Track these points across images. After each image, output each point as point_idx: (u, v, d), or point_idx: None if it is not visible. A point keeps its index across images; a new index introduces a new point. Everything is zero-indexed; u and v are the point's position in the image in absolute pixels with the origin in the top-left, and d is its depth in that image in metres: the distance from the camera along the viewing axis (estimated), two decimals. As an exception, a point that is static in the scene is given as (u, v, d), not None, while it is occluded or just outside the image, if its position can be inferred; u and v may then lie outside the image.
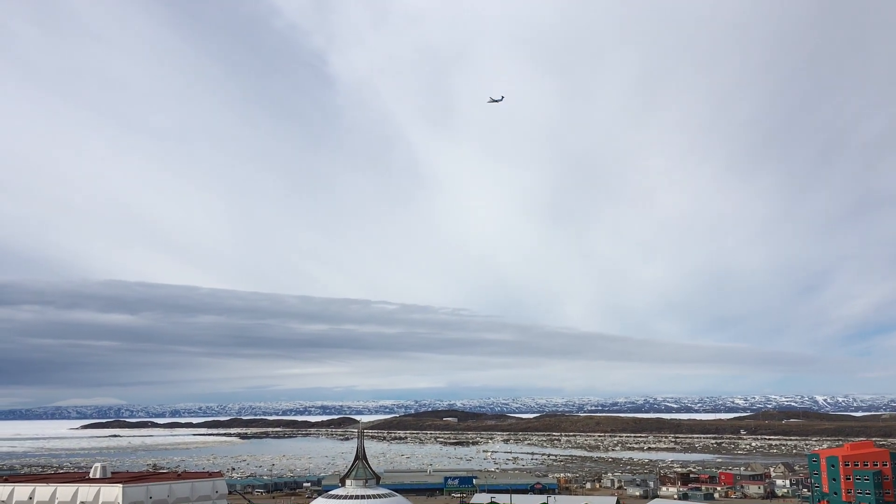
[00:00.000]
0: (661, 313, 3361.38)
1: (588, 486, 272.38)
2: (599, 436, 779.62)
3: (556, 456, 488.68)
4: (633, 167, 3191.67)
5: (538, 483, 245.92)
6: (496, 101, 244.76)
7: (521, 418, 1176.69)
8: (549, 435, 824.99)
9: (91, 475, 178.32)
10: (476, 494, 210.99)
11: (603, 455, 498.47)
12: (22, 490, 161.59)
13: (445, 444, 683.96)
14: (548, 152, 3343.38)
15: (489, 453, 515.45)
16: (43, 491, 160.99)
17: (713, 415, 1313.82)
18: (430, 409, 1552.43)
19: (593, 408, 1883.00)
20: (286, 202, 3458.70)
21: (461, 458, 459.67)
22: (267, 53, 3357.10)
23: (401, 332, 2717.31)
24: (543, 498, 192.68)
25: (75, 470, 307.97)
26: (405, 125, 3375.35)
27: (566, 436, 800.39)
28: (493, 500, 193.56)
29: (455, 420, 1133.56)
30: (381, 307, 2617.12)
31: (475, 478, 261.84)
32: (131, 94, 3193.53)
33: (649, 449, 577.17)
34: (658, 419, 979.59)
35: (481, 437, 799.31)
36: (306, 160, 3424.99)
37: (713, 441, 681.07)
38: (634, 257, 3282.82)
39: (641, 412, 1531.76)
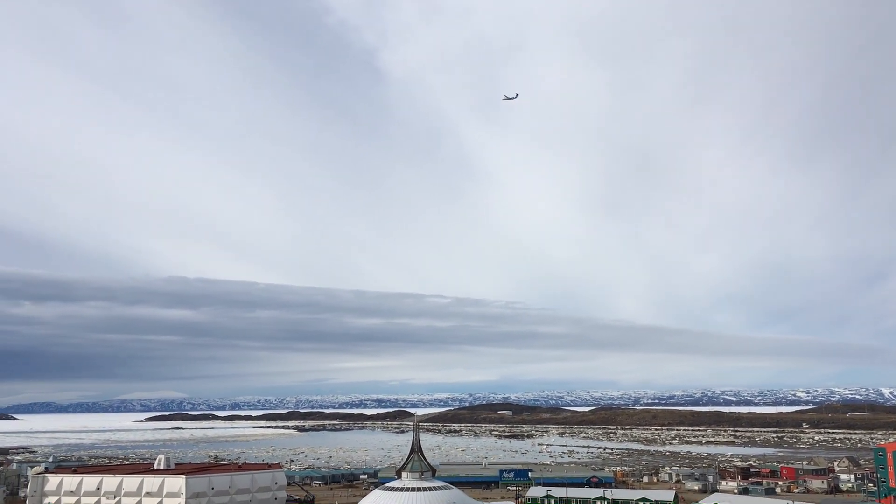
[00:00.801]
0: (719, 305, 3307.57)
1: (645, 479, 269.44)
2: (656, 429, 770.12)
3: (612, 449, 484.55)
4: (686, 157, 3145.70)
5: (594, 476, 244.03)
6: (510, 98, 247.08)
7: (577, 411, 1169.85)
8: (604, 428, 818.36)
9: (155, 466, 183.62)
10: (532, 487, 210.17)
11: (660, 449, 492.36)
12: (90, 481, 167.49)
13: (500, 437, 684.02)
14: (599, 143, 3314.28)
15: (544, 446, 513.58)
16: (110, 482, 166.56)
17: (774, 408, 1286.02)
18: (484, 402, 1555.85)
19: (650, 401, 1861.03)
20: (339, 197, 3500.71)
21: (516, 451, 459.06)
22: (319, 51, 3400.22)
23: (454, 325, 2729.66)
24: (600, 491, 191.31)
25: (140, 461, 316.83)
26: (456, 119, 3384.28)
27: (622, 429, 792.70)
28: (549, 493, 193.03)
29: (509, 413, 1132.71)
30: (435, 301, 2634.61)
31: (531, 471, 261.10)
32: (188, 93, 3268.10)
33: (708, 443, 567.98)
34: (717, 412, 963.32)
35: (536, 431, 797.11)
36: (358, 155, 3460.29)
37: (774, 435, 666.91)
38: (690, 248, 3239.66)
39: (699, 405, 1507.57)
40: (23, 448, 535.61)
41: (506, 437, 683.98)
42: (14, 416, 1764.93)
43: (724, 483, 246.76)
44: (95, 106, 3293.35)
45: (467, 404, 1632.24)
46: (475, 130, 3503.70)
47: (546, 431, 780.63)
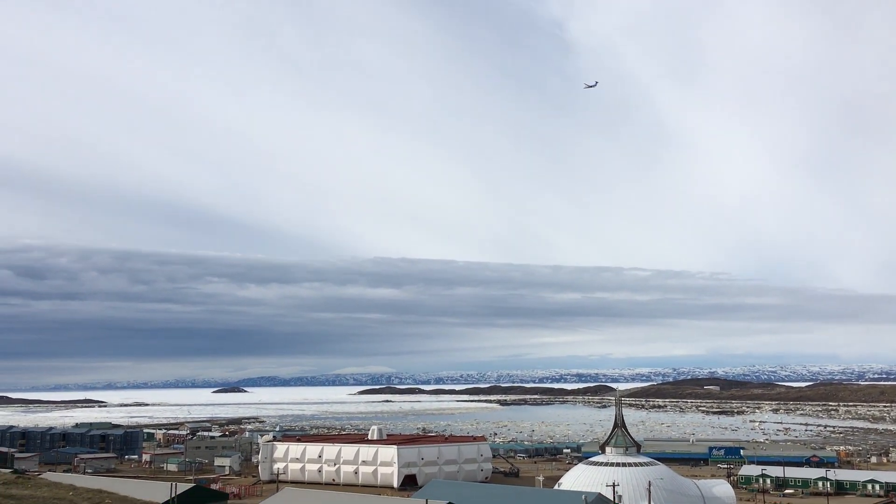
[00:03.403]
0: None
1: (874, 460, 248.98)
2: (885, 406, 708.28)
3: (833, 427, 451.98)
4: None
5: (815, 456, 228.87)
6: (591, 86, 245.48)
7: (792, 387, 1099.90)
8: (824, 405, 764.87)
9: (369, 437, 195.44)
10: (744, 466, 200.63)
11: (890, 427, 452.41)
12: (312, 449, 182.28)
13: (707, 413, 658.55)
14: (807, 99, 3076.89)
15: (757, 423, 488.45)
16: (330, 450, 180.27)
17: None
18: (689, 377, 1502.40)
19: (876, 375, 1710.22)
20: (534, 173, 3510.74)
21: (726, 428, 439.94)
22: (506, 26, 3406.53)
23: (655, 298, 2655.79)
24: (822, 472, 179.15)
25: (355, 431, 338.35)
26: (649, 85, 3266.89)
27: (844, 406, 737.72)
28: (763, 472, 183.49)
29: (717, 388, 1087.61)
30: (634, 274, 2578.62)
31: (742, 448, 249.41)
32: (382, 78, 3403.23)
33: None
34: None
35: (747, 407, 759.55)
36: (550, 129, 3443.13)
37: None
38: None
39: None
40: (253, 418, 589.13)
41: (713, 413, 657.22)
42: (244, 388, 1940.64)
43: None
44: (296, 97, 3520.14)
45: (671, 379, 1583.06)
46: (670, 95, 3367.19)
47: (758, 408, 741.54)
